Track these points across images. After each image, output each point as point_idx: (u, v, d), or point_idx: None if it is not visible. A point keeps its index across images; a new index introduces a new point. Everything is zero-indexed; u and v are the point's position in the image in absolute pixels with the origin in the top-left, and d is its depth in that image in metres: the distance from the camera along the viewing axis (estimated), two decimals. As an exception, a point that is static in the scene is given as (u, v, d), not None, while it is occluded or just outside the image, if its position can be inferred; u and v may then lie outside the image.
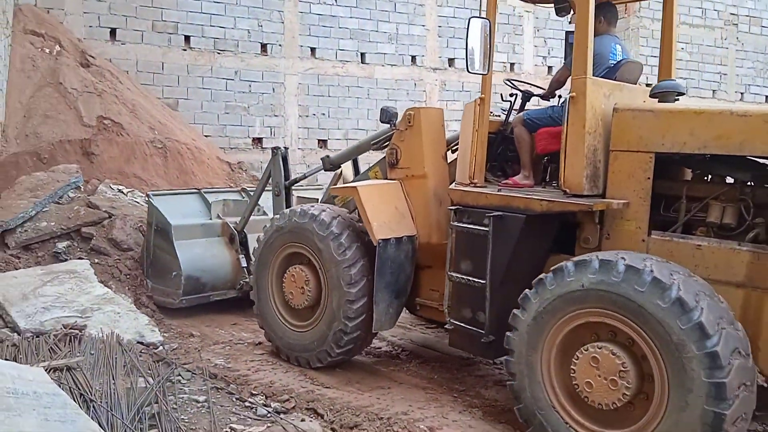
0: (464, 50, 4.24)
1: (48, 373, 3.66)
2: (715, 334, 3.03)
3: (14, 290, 5.44)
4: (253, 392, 4.31)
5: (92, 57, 8.88)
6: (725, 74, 15.20)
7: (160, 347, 5.03)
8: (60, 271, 5.88)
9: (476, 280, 4.15)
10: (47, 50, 8.41)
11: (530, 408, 3.64)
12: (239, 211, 6.62)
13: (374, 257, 4.48)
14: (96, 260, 6.31)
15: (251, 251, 5.98)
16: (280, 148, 6.21)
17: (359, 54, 11.85)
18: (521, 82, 5.01)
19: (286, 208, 5.88)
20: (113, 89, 8.60)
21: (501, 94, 4.96)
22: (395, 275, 4.58)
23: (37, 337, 4.73)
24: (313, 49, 11.44)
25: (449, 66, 12.69)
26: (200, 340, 5.51)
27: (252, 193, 6.62)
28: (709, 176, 3.86)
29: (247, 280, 6.09)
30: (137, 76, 9.95)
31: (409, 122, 4.80)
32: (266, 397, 4.25)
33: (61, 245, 6.41)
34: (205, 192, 6.88)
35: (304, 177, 6.28)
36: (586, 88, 3.82)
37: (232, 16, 10.62)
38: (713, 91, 15.02)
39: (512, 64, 13.21)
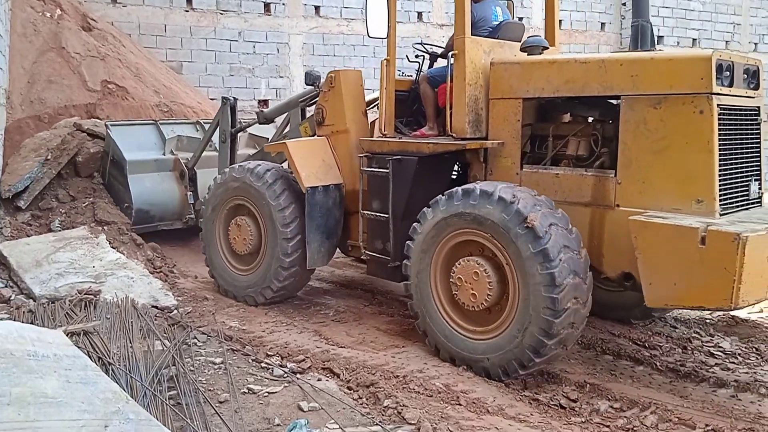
0: (364, 16, 4.84)
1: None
2: (556, 258, 3.72)
3: (27, 257, 5.46)
4: (269, 353, 4.34)
5: (94, 20, 8.74)
6: (739, 24, 14.82)
7: (175, 311, 5.06)
8: (72, 237, 5.90)
9: (382, 215, 4.91)
10: (48, 14, 8.26)
11: (420, 311, 4.39)
12: (192, 147, 7.18)
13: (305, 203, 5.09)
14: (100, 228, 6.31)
15: (198, 188, 7.05)
16: (229, 98, 6.80)
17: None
18: (428, 44, 5.57)
19: (231, 152, 6.79)
20: (116, 53, 8.49)
21: (407, 56, 5.47)
22: (324, 218, 5.19)
23: (53, 302, 4.76)
24: (317, 8, 11.23)
25: (456, 22, 12.42)
26: (214, 303, 5.54)
27: (206, 127, 7.24)
28: (579, 117, 4.56)
29: (192, 215, 7.04)
30: (140, 39, 9.81)
31: (331, 84, 5.37)
32: (282, 358, 4.28)
33: (54, 224, 6.34)
34: (161, 123, 7.29)
35: (249, 126, 7.03)
36: (465, 46, 4.49)
37: (234, -26, 10.43)
38: (726, 42, 14.65)
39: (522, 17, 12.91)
